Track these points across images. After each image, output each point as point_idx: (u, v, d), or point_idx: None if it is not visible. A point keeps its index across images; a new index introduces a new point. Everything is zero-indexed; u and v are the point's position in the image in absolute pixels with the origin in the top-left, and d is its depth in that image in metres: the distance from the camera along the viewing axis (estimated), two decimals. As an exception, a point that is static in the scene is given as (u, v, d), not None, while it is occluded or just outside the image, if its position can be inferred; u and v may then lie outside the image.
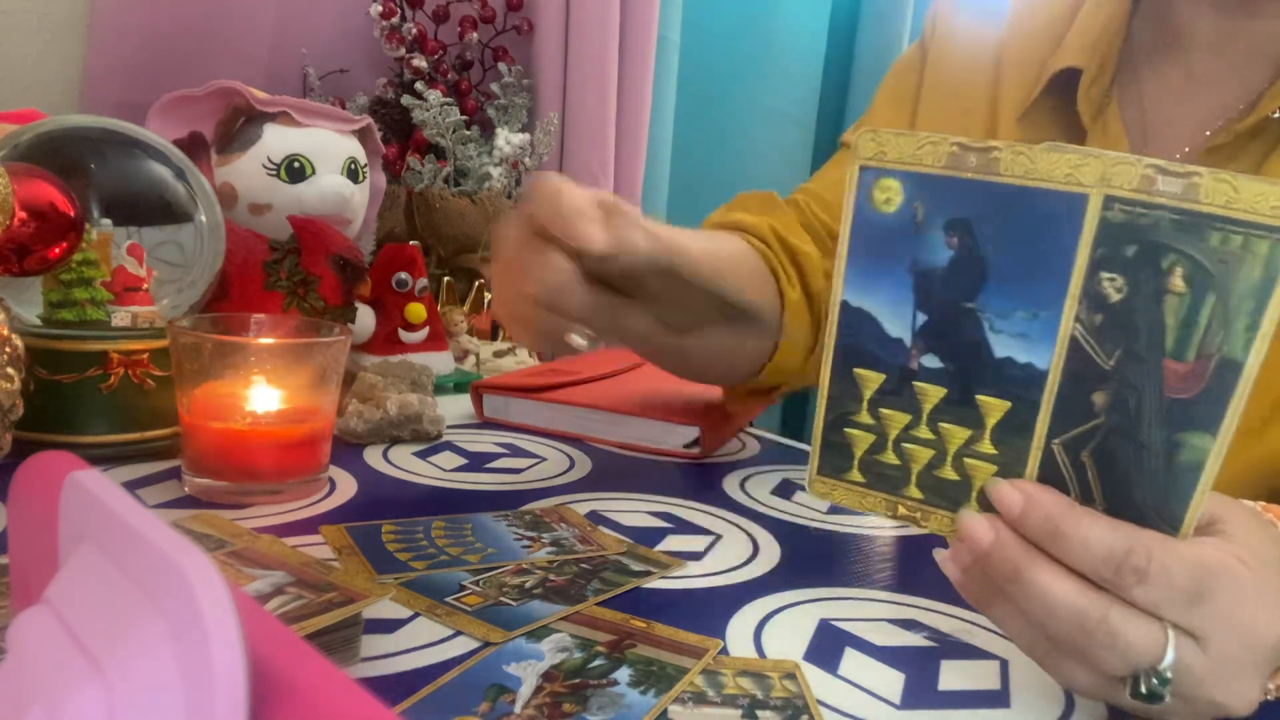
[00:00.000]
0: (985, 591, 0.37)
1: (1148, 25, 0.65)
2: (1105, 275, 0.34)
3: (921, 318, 0.38)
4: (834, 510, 0.64)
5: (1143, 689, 0.33)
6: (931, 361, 0.38)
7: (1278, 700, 0.37)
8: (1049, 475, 0.36)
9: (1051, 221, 0.34)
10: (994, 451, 0.37)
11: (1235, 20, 0.61)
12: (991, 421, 0.37)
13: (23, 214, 0.51)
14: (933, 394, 0.38)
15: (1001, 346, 0.36)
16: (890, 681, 0.40)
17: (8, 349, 0.49)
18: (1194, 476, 0.33)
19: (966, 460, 0.38)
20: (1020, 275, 0.35)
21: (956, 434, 0.38)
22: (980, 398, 0.37)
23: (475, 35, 1.10)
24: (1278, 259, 0.31)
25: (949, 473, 0.38)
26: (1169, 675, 0.32)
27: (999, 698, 0.40)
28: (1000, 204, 0.35)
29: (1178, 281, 0.32)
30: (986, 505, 0.36)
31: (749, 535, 0.57)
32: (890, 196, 0.38)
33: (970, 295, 0.36)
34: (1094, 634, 0.32)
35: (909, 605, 0.48)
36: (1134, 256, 0.33)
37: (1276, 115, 0.57)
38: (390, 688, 0.36)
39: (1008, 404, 0.36)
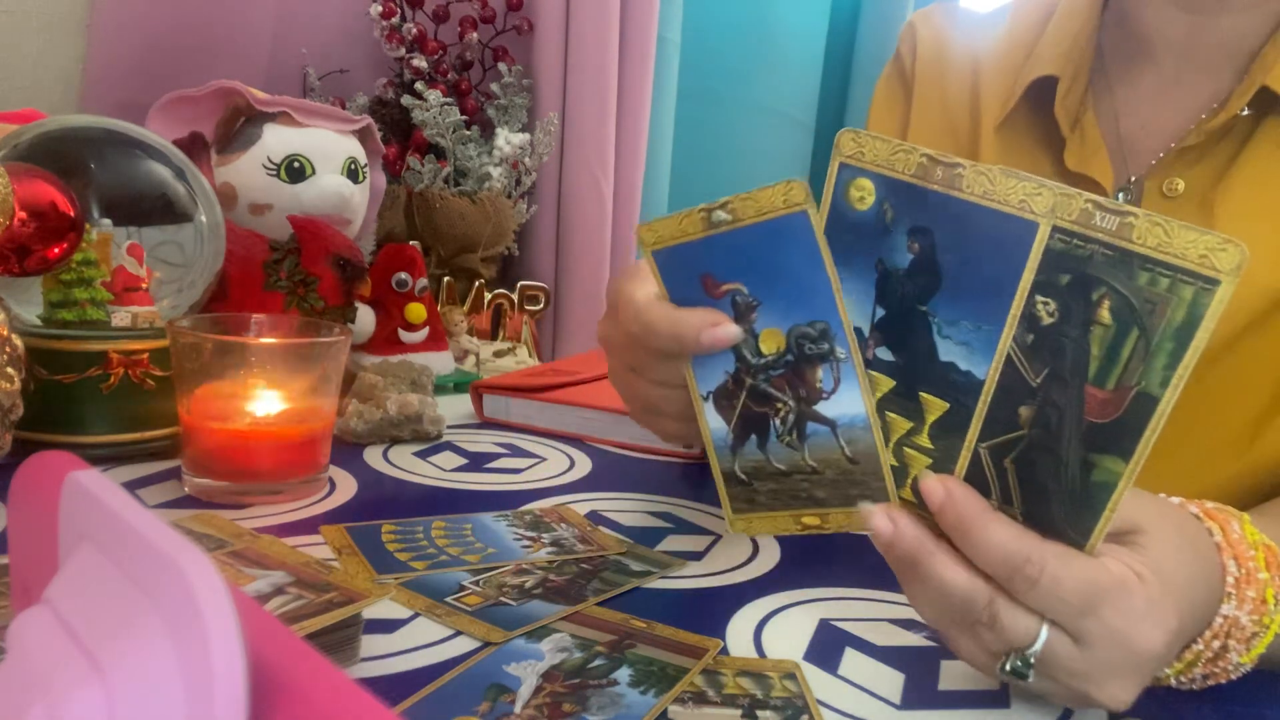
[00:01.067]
0: (898, 571, 0.40)
1: (1115, 34, 0.66)
2: (1040, 299, 0.35)
3: (880, 312, 0.40)
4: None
5: (1008, 667, 0.36)
6: (885, 354, 0.40)
7: (1190, 689, 0.40)
8: (976, 475, 0.38)
9: (1003, 243, 0.36)
10: (930, 446, 0.39)
11: (1202, 19, 0.61)
12: (931, 418, 0.39)
13: (23, 214, 0.51)
14: (883, 383, 0.40)
15: (946, 351, 0.38)
16: (890, 681, 0.40)
17: (8, 349, 0.49)
18: (1105, 496, 0.34)
19: (906, 449, 0.40)
20: (970, 288, 0.37)
21: (899, 424, 0.40)
22: (923, 395, 0.39)
23: (475, 35, 1.10)
24: (1201, 305, 0.32)
25: (889, 458, 0.41)
26: (1032, 661, 0.35)
27: (999, 698, 0.40)
28: (959, 219, 0.37)
29: (1105, 314, 0.34)
30: (919, 492, 0.39)
31: (749, 536, 0.57)
32: (864, 195, 0.39)
33: (924, 299, 0.38)
34: (979, 614, 0.36)
35: (909, 605, 0.48)
36: (1068, 285, 0.35)
37: (1245, 113, 0.58)
38: (390, 688, 0.36)
39: (946, 405, 0.38)
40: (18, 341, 0.50)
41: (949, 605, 0.37)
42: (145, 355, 0.59)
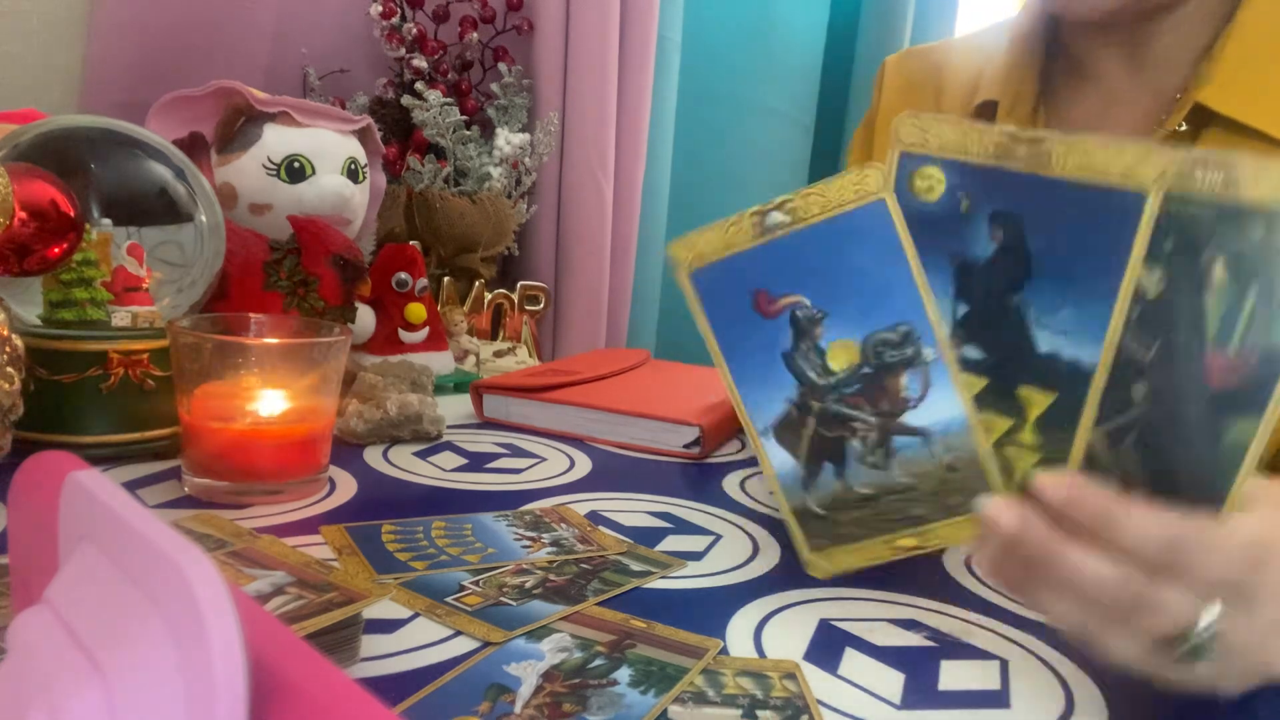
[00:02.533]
0: (1022, 577, 0.37)
1: (1060, 60, 0.68)
2: (1144, 269, 0.33)
3: (962, 309, 0.37)
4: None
5: (1189, 645, 0.33)
6: (972, 353, 0.37)
7: None
8: (1090, 464, 0.36)
9: (1105, 218, 0.33)
10: (1036, 440, 0.37)
11: (1129, 48, 0.63)
12: (1034, 413, 0.36)
13: (23, 214, 0.51)
14: (974, 384, 0.38)
15: (1045, 341, 0.35)
16: (890, 681, 0.40)
17: (8, 349, 0.49)
18: (1238, 458, 0.33)
19: (1007, 449, 0.37)
20: (1069, 270, 0.35)
21: (997, 424, 0.37)
22: (1022, 390, 0.36)
23: (475, 35, 1.10)
24: None
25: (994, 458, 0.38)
26: (1214, 630, 0.33)
27: (999, 698, 0.40)
28: (1051, 199, 0.34)
29: (1219, 273, 0.32)
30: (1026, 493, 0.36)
31: (749, 535, 0.57)
32: (932, 185, 0.37)
33: (1014, 289, 0.36)
34: (1140, 594, 0.33)
35: (909, 605, 0.48)
36: (1172, 250, 0.32)
37: (1182, 128, 0.59)
38: (390, 688, 0.36)
39: (1052, 396, 0.36)
40: (18, 341, 0.50)
41: (1098, 597, 0.35)
42: (145, 355, 0.59)
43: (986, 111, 0.68)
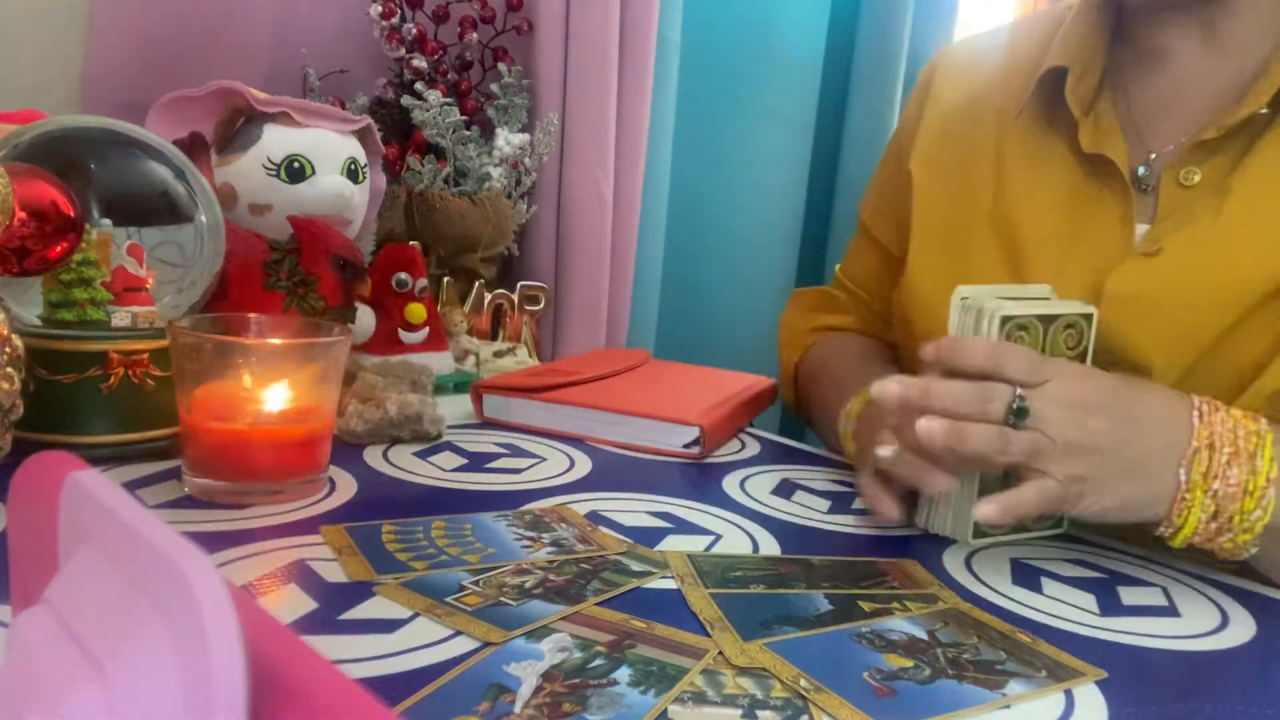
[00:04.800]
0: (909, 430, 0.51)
1: (1125, 49, 0.69)
2: None
3: None
4: (833, 510, 0.64)
5: (1015, 407, 0.49)
6: None
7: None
8: None
9: None
10: None
11: (1205, 29, 0.63)
12: None
13: (23, 214, 0.51)
14: None
15: None
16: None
17: (8, 349, 0.49)
18: None
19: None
20: None
21: None
22: None
23: (475, 35, 1.10)
24: None
25: None
26: (1025, 398, 0.50)
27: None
28: None
29: None
30: None
31: (749, 535, 0.57)
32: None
33: None
34: (982, 389, 0.50)
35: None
36: None
37: (1264, 111, 0.60)
38: (390, 688, 0.36)
39: None
40: (18, 341, 0.50)
41: (959, 405, 0.50)
42: (145, 355, 0.59)
43: (1053, 79, 0.68)
